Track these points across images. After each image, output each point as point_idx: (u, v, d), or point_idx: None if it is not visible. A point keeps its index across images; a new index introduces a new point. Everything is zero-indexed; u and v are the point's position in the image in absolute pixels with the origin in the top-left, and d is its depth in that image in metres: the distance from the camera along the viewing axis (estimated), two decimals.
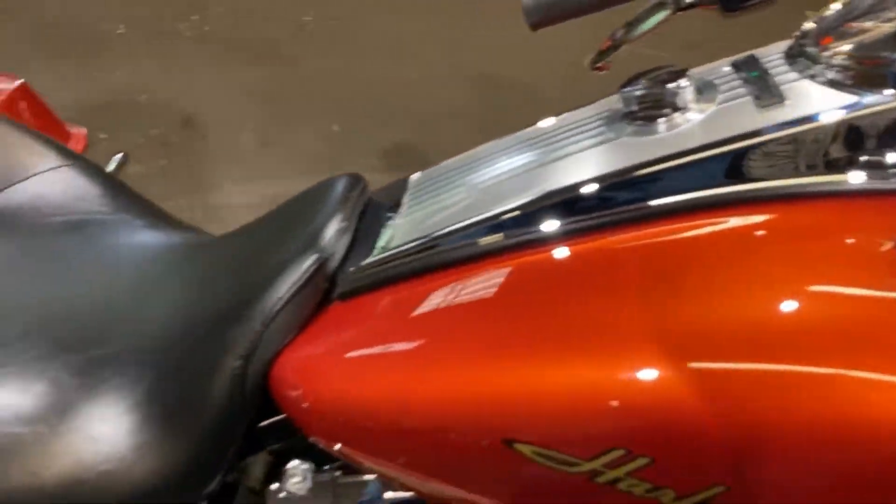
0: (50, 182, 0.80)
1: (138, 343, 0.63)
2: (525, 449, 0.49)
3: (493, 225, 0.59)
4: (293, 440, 0.69)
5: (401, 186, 0.71)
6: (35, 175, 0.80)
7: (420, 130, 2.23)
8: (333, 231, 0.63)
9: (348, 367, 0.59)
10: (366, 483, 0.64)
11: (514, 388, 0.50)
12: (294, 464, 0.65)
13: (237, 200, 2.00)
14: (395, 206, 0.69)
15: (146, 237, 0.77)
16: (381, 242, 0.65)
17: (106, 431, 0.59)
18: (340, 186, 0.67)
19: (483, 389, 0.51)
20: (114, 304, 0.68)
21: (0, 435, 0.58)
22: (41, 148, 0.82)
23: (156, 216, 0.82)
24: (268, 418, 0.67)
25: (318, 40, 2.56)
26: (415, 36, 2.60)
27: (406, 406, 0.55)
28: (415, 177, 0.71)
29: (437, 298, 0.58)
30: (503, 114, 2.30)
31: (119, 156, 1.04)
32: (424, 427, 0.54)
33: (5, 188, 0.79)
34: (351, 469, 0.65)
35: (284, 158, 2.13)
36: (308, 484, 0.64)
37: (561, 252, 0.55)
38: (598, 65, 0.68)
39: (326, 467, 0.66)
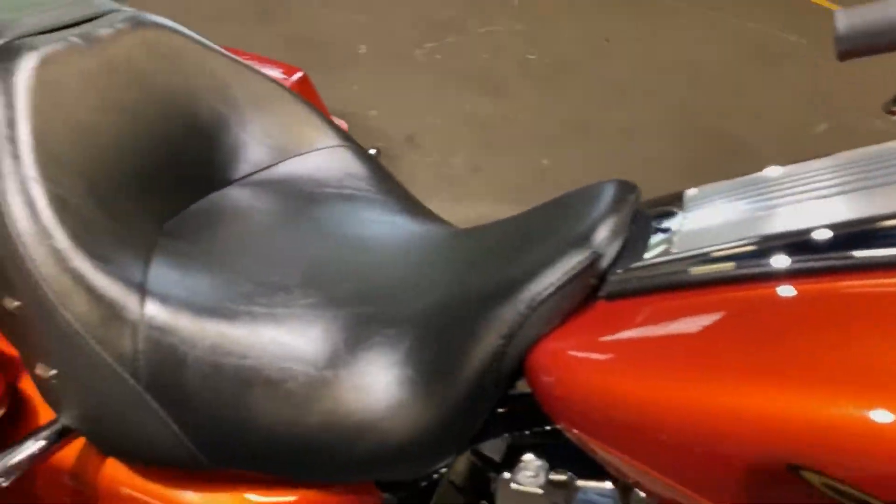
0: (328, 158, 0.87)
1: (402, 308, 0.66)
2: (813, 478, 0.46)
3: (772, 248, 0.56)
4: (524, 436, 0.69)
5: (672, 200, 0.70)
6: (317, 150, 0.87)
7: (628, 175, 2.21)
8: (607, 232, 0.63)
9: (610, 364, 0.58)
10: (601, 490, 0.63)
11: (805, 412, 0.47)
12: (530, 457, 0.65)
13: (444, 217, 2.08)
14: (666, 218, 0.68)
15: (408, 219, 0.81)
16: (651, 250, 0.64)
17: (365, 384, 0.62)
18: (615, 190, 0.67)
19: (767, 408, 0.49)
20: (379, 271, 0.72)
21: (276, 368, 0.63)
22: (324, 127, 0.89)
23: (415, 203, 0.86)
24: (504, 406, 0.68)
25: (540, 78, 2.63)
26: (639, 86, 2.60)
27: (671, 413, 0.53)
28: (690, 192, 0.70)
29: (704, 312, 0.57)
30: (718, 168, 2.23)
31: (373, 150, 1.11)
32: (691, 437, 0.52)
33: (292, 157, 0.86)
34: (585, 474, 0.64)
35: (492, 184, 2.19)
36: (541, 480, 0.64)
37: (849, 284, 0.52)
38: (894, 109, 0.65)
39: (558, 472, 0.65)
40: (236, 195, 0.81)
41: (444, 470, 0.74)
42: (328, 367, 0.63)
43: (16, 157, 0.63)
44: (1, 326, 0.64)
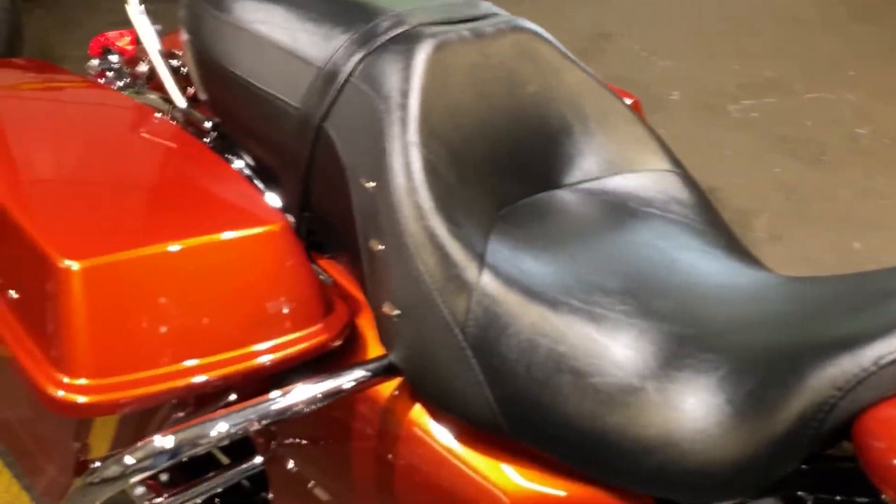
0: (658, 180, 0.88)
1: (721, 337, 0.65)
2: None
3: None
4: (828, 500, 0.64)
5: None
6: (648, 171, 0.88)
7: None
8: None
9: None
10: None
11: None
12: None
13: None
14: None
15: (732, 255, 0.79)
16: None
17: (671, 400, 0.62)
18: None
19: None
20: (698, 297, 0.71)
21: (586, 361, 0.64)
22: (659, 150, 0.90)
23: (739, 243, 0.84)
24: (809, 463, 0.64)
25: (868, 155, 2.40)
26: None
27: None
28: None
29: None
30: None
31: None
32: None
33: (622, 173, 0.89)
34: None
35: (791, 257, 2.03)
36: None
37: None
38: None
39: None
40: (565, 198, 0.85)
41: None
42: (636, 375, 0.64)
43: (404, 123, 0.72)
44: (362, 264, 0.74)
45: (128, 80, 1.04)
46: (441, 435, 0.70)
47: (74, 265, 0.63)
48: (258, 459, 0.92)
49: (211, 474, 0.92)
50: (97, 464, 0.82)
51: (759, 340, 0.64)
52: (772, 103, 2.63)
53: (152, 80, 0.99)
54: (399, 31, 0.78)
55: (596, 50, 2.92)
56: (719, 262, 0.78)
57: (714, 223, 0.85)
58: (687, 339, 0.65)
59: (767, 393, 0.60)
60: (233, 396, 0.78)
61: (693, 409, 0.61)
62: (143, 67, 1.00)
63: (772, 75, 2.80)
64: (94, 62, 1.08)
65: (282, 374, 0.75)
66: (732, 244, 0.82)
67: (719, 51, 2.94)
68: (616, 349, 0.65)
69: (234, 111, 0.87)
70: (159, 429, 0.88)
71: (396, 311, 0.69)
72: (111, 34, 1.17)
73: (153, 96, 1.00)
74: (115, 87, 1.05)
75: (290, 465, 0.87)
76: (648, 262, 0.76)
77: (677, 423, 0.61)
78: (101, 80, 1.10)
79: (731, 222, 2.40)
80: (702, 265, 0.77)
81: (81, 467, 0.85)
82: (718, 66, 2.85)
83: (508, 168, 0.83)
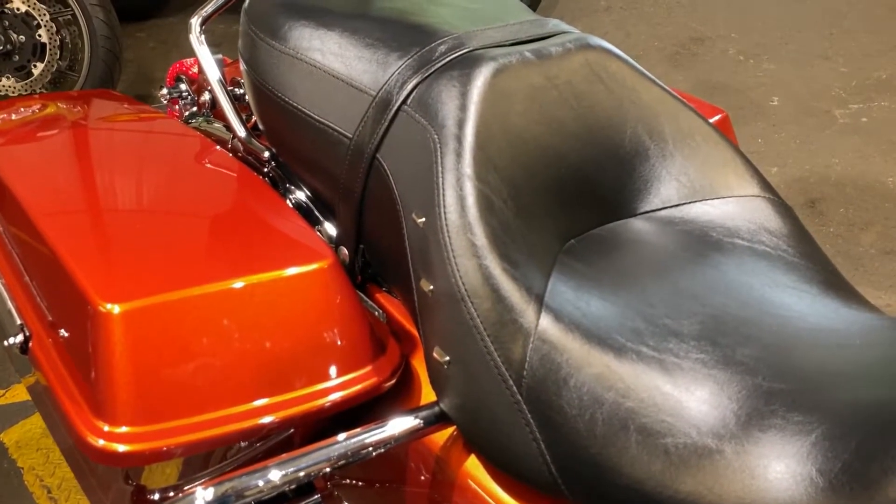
0: (745, 207, 0.79)
1: (815, 394, 0.57)
2: None
3: None
4: None
5: None
6: (734, 197, 0.80)
7: None
8: None
9: None
10: None
11: None
12: None
13: None
14: None
15: (830, 293, 0.70)
16: None
17: (754, 468, 0.54)
18: None
19: None
20: (790, 344, 0.63)
21: (656, 419, 0.58)
22: (747, 174, 0.81)
23: (839, 278, 0.74)
24: None
25: None
26: None
27: None
28: None
29: None
30: None
31: None
32: None
33: (705, 200, 0.81)
34: None
35: None
36: None
37: None
38: None
39: None
40: (640, 228, 0.78)
41: None
42: (712, 436, 0.56)
43: (458, 154, 0.67)
44: (413, 304, 0.69)
45: (195, 109, 1.04)
46: (496, 491, 0.65)
47: (115, 308, 0.61)
48: (317, 495, 0.89)
49: None
50: (156, 495, 0.81)
51: (863, 399, 0.55)
52: (885, 107, 2.43)
53: (215, 108, 0.99)
54: (456, 54, 0.74)
55: (688, 54, 2.79)
56: (816, 301, 0.69)
57: (811, 256, 0.76)
58: (774, 394, 0.57)
59: (868, 465, 0.51)
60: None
61: (777, 478, 0.53)
62: (206, 96, 0.99)
63: (886, 74, 2.60)
64: (165, 90, 1.08)
65: (325, 420, 0.71)
66: (832, 280, 0.73)
67: (824, 51, 2.76)
68: (690, 405, 0.58)
69: (289, 141, 0.85)
70: (223, 458, 0.87)
71: (447, 358, 0.65)
72: (187, 61, 1.18)
73: (218, 125, 0.99)
74: (185, 116, 1.06)
75: None
76: (732, 301, 0.69)
77: (758, 493, 0.54)
78: (175, 108, 1.11)
79: (836, 236, 2.25)
80: (795, 305, 0.69)
81: (139, 496, 0.84)
82: (824, 67, 2.66)
83: (575, 197, 0.77)
